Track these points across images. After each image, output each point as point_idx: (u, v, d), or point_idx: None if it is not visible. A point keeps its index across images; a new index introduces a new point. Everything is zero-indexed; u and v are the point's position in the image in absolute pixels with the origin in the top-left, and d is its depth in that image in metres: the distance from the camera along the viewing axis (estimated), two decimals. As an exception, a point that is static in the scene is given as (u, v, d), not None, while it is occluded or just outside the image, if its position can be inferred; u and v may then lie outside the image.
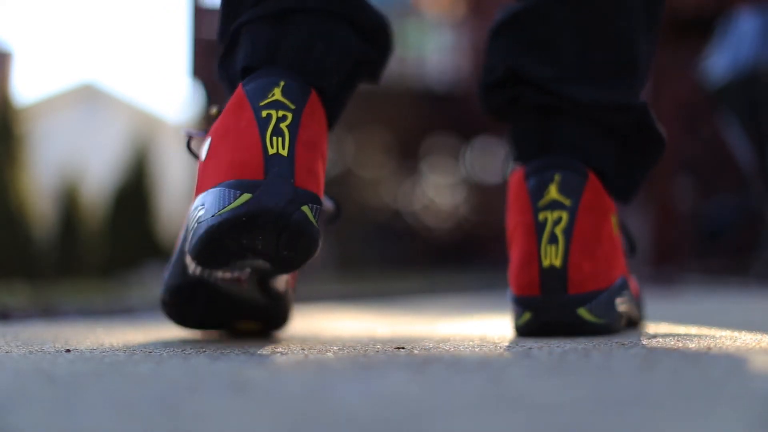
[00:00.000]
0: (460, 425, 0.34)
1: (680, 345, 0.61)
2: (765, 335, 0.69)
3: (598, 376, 0.47)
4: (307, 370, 0.51)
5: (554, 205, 0.72)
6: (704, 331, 0.75)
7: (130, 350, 0.64)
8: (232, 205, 0.62)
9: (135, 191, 6.37)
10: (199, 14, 6.37)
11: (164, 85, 34.28)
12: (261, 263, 0.66)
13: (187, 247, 0.67)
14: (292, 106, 0.65)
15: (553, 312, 0.71)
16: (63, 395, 0.42)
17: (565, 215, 0.71)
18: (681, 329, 0.79)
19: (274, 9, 0.70)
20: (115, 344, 0.69)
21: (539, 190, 0.72)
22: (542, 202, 0.72)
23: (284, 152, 0.63)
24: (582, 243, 0.71)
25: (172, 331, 0.85)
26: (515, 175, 0.75)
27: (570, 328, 0.70)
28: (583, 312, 0.70)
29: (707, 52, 2.71)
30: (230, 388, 0.44)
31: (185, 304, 0.73)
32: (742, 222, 3.63)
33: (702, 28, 3.28)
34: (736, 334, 0.71)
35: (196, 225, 0.64)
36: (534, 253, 0.71)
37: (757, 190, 2.63)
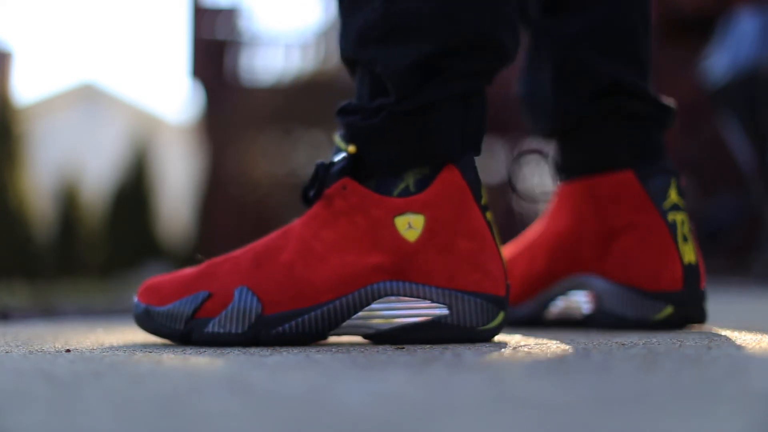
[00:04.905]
0: (460, 425, 0.34)
1: (680, 345, 0.61)
2: (765, 335, 0.69)
3: (598, 376, 0.47)
4: (307, 370, 0.51)
5: (676, 208, 0.77)
6: (704, 331, 0.75)
7: (130, 350, 0.64)
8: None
9: (135, 191, 6.37)
10: (199, 14, 6.37)
11: (164, 85, 34.27)
12: None
13: None
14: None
15: (690, 305, 0.76)
16: (63, 395, 0.42)
17: (686, 217, 0.77)
18: (681, 329, 0.79)
19: None
20: (115, 344, 0.69)
21: (662, 193, 0.77)
22: (666, 204, 0.77)
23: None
24: (697, 244, 0.78)
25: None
26: (621, 175, 0.79)
27: (700, 320, 0.77)
28: (705, 306, 0.77)
29: (707, 52, 2.71)
30: (230, 388, 0.44)
31: None
32: (742, 222, 3.63)
33: (702, 28, 3.28)
34: (736, 334, 0.71)
35: None
36: (674, 251, 0.76)
37: (757, 190, 2.63)
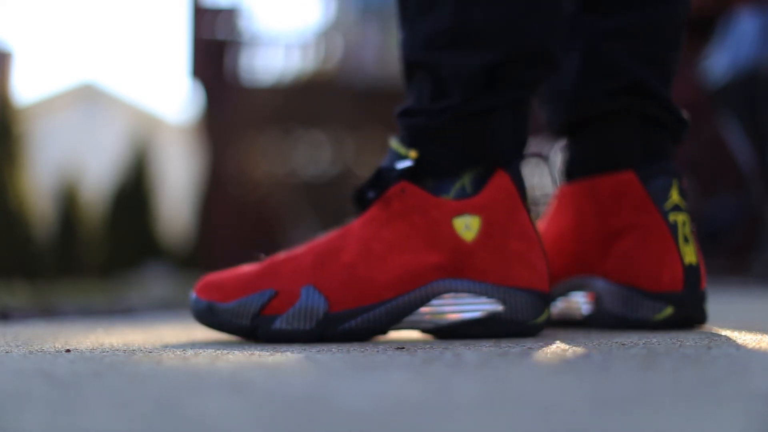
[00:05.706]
0: (460, 425, 0.34)
1: (680, 345, 0.61)
2: (765, 335, 0.69)
3: (598, 376, 0.47)
4: (307, 370, 0.51)
5: (677, 209, 0.77)
6: (704, 331, 0.75)
7: (130, 350, 0.64)
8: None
9: (135, 191, 6.36)
10: (199, 14, 6.37)
11: (164, 85, 34.28)
12: None
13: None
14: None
15: (691, 306, 0.76)
16: (63, 395, 0.42)
17: (687, 218, 0.77)
18: (681, 329, 0.79)
19: None
20: (115, 344, 0.69)
21: (664, 194, 0.77)
22: (668, 205, 0.77)
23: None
24: (698, 244, 0.78)
25: (173, 331, 0.85)
26: (622, 176, 0.79)
27: (700, 321, 0.77)
28: (706, 307, 0.77)
29: (707, 52, 2.71)
30: (230, 388, 0.44)
31: None
32: (742, 222, 3.63)
33: (702, 28, 3.28)
34: (736, 334, 0.71)
35: None
36: (674, 252, 0.76)
37: (757, 190, 2.63)
